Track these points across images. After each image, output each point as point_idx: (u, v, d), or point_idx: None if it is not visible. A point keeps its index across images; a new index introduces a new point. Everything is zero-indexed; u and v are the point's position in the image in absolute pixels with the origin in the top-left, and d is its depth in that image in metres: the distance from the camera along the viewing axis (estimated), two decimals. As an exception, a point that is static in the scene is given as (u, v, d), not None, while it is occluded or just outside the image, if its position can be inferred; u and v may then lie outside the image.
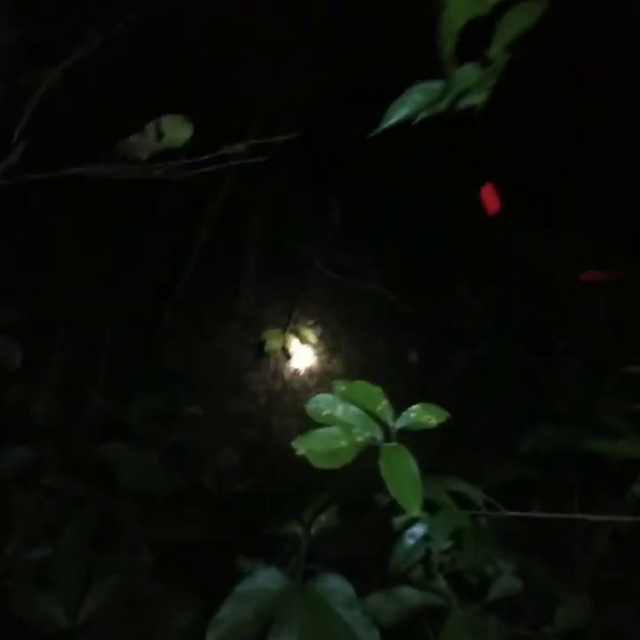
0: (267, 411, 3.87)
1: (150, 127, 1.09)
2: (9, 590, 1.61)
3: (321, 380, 3.98)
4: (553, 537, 1.50)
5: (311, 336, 3.97)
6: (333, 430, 0.94)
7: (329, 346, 4.08)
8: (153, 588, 1.67)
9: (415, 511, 0.86)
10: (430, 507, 1.16)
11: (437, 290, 3.43)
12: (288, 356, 3.92)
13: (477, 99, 1.17)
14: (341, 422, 0.96)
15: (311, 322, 4.03)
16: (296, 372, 4.00)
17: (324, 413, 0.97)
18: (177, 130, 1.10)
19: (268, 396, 3.96)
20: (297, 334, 3.88)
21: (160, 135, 1.09)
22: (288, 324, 3.94)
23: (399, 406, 1.05)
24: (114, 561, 1.82)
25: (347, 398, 1.04)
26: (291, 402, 3.93)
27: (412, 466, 0.91)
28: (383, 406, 1.02)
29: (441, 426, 1.00)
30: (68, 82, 1.29)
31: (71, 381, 1.97)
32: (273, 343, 3.69)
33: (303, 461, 0.91)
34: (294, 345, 3.82)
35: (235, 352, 4.02)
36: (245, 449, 2.87)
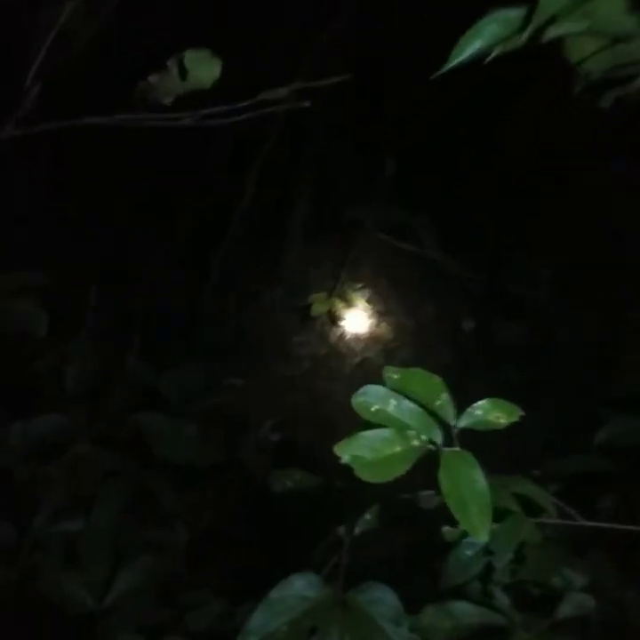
0: (312, 374, 3.75)
1: (172, 64, 0.92)
2: (36, 566, 1.54)
3: (368, 345, 3.82)
4: (629, 544, 1.33)
5: (359, 300, 3.80)
6: (385, 433, 0.78)
7: (377, 310, 3.90)
8: (185, 571, 1.59)
9: (484, 537, 0.71)
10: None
11: (497, 253, 3.19)
12: (335, 321, 3.77)
13: (566, 28, 0.96)
14: (394, 420, 0.80)
15: (359, 285, 3.85)
16: (342, 336, 3.85)
17: (373, 408, 0.82)
18: (203, 67, 0.93)
19: (314, 360, 3.83)
20: (344, 298, 3.71)
21: (184, 73, 0.93)
22: (335, 288, 3.77)
23: (453, 384, 0.89)
24: (147, 537, 1.74)
25: (400, 389, 0.88)
26: (336, 366, 3.80)
27: (480, 479, 0.74)
28: (443, 401, 0.85)
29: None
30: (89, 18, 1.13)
31: (105, 348, 1.87)
32: (319, 307, 3.54)
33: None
34: (341, 309, 3.65)
35: (279, 316, 3.90)
36: (288, 417, 2.75)
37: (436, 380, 0.89)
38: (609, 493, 1.47)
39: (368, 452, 0.75)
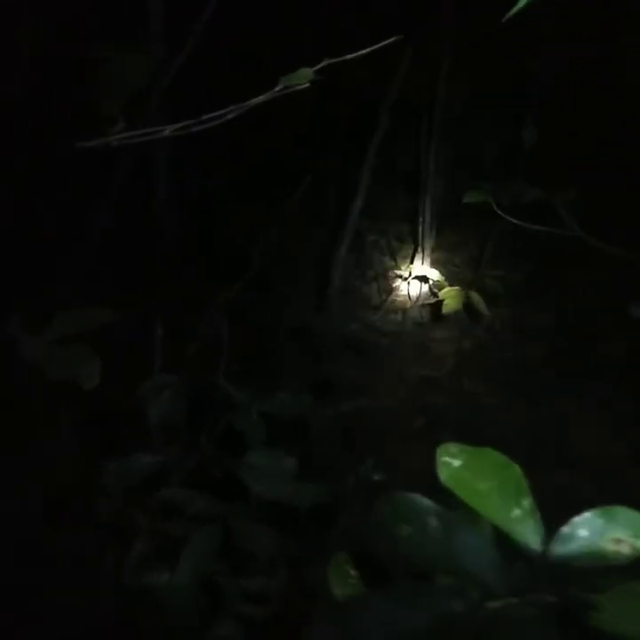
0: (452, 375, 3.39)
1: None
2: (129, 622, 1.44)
3: (511, 340, 3.38)
4: None
5: (499, 289, 3.38)
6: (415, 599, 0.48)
7: (523, 300, 3.44)
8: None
9: None
10: None
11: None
12: (472, 315, 3.37)
13: None
14: (436, 558, 0.51)
15: (497, 273, 3.42)
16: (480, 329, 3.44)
17: (405, 533, 0.53)
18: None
19: (456, 359, 3.46)
20: (482, 289, 3.31)
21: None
22: (470, 279, 3.38)
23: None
24: (244, 585, 1.57)
25: (457, 485, 0.58)
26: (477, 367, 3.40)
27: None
28: (524, 510, 0.54)
29: None
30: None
31: (190, 376, 1.73)
32: (452, 303, 3.18)
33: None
34: (478, 302, 3.25)
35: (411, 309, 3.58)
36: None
37: (515, 470, 0.58)
38: None
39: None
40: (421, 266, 3.53)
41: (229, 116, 0.94)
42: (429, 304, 3.44)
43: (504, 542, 0.53)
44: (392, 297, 3.53)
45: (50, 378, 1.24)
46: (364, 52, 0.99)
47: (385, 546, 0.53)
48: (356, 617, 0.47)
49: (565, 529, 0.53)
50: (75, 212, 2.38)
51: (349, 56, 0.96)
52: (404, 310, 3.56)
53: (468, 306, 3.27)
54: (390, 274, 3.66)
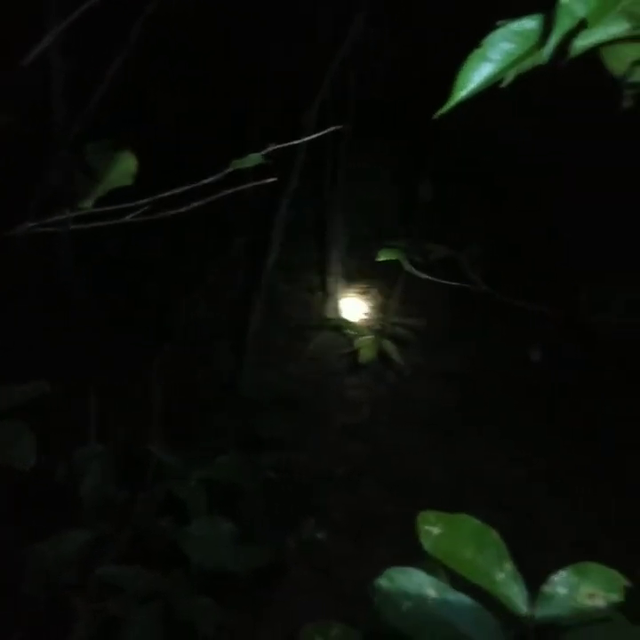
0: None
1: (74, 167, 0.73)
2: None
3: (422, 385, 3.54)
4: None
5: (409, 337, 3.54)
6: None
7: (433, 347, 3.62)
8: None
9: None
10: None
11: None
12: (386, 361, 3.49)
13: (600, 35, 0.71)
14: (435, 628, 0.55)
15: (408, 322, 3.58)
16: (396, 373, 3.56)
17: (404, 608, 0.57)
18: (114, 165, 0.74)
19: (372, 406, 3.55)
20: (393, 337, 3.45)
21: (93, 174, 0.74)
22: (381, 328, 3.52)
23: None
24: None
25: (442, 554, 0.64)
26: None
27: None
28: (507, 573, 0.60)
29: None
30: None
31: (118, 450, 1.69)
32: (367, 352, 3.29)
33: None
34: (391, 350, 3.38)
35: (328, 359, 3.67)
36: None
37: (491, 536, 0.63)
38: None
39: None
40: (334, 315, 3.65)
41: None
42: (345, 353, 3.53)
43: (492, 604, 0.58)
44: (309, 347, 3.60)
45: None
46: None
47: (389, 620, 0.56)
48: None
49: (546, 588, 0.59)
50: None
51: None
52: (320, 359, 3.63)
53: (381, 354, 3.39)
54: (304, 324, 3.74)
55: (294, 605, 1.66)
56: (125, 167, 0.75)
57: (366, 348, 3.27)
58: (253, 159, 0.87)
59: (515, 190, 3.58)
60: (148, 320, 2.69)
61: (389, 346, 3.38)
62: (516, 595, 0.59)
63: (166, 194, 0.79)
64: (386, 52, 3.50)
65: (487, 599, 0.58)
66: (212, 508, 1.65)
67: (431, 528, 0.66)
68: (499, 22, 0.74)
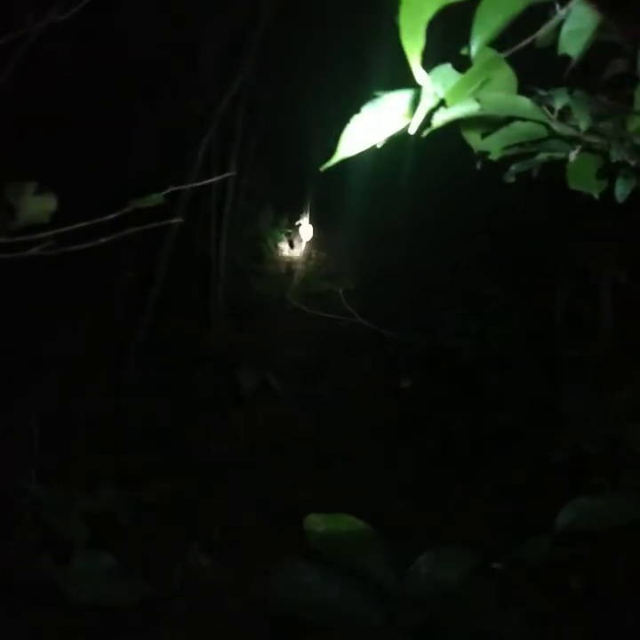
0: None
1: None
2: None
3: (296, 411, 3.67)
4: None
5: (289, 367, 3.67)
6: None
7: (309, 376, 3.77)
8: None
9: None
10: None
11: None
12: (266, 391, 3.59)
13: (457, 112, 0.87)
14: (323, 610, 0.64)
15: (289, 353, 3.72)
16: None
17: (297, 596, 0.66)
18: (34, 202, 0.79)
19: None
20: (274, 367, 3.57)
21: (11, 211, 0.78)
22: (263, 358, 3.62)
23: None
24: None
25: (326, 548, 0.74)
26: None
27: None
28: (378, 558, 0.71)
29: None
30: None
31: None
32: (248, 381, 3.38)
33: None
34: (271, 379, 3.50)
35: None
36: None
37: (366, 529, 0.74)
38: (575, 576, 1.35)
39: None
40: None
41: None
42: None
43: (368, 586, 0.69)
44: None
45: None
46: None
47: (287, 608, 0.65)
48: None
49: (411, 569, 0.70)
50: None
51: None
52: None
53: (263, 383, 3.50)
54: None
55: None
56: (45, 206, 0.80)
57: (247, 379, 3.36)
58: (154, 199, 0.94)
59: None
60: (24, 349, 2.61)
61: (270, 376, 3.49)
62: (386, 576, 0.70)
63: (70, 228, 0.84)
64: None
65: (365, 584, 0.69)
66: (91, 542, 1.62)
67: (315, 527, 0.76)
68: (375, 93, 0.89)
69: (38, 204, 0.79)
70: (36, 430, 1.65)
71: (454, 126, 0.88)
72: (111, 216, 0.93)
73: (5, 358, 2.39)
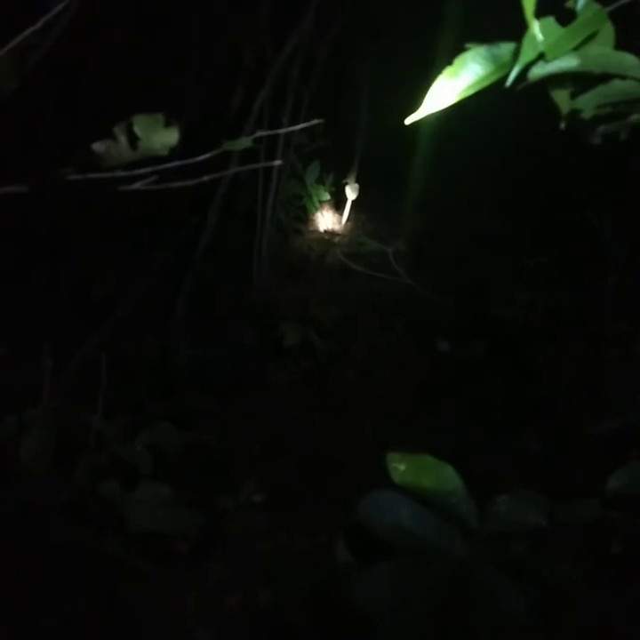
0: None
1: (119, 131, 0.80)
2: None
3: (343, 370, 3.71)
4: None
5: (328, 325, 3.70)
6: (403, 568, 0.66)
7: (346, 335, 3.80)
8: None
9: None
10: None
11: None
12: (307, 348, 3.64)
13: (556, 67, 0.86)
14: (411, 538, 0.69)
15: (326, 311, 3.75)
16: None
17: (386, 520, 0.70)
18: (156, 134, 0.82)
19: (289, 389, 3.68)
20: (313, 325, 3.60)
21: (134, 141, 0.81)
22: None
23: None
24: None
25: (408, 483, 0.78)
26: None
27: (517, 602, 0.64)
28: (460, 497, 0.75)
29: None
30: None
31: (67, 413, 1.71)
32: (291, 338, 3.42)
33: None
34: (313, 337, 3.53)
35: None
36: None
37: (447, 469, 0.78)
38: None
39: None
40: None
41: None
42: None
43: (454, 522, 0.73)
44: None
45: None
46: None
47: (372, 530, 0.69)
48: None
49: (489, 507, 0.74)
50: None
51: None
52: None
53: (304, 340, 3.54)
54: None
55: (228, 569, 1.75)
56: (168, 139, 0.82)
57: (290, 334, 3.41)
58: (243, 142, 0.96)
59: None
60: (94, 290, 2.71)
61: (311, 333, 3.52)
62: (467, 513, 0.74)
63: (169, 165, 0.87)
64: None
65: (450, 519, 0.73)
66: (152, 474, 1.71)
67: (398, 465, 0.80)
68: (467, 45, 0.89)
69: (163, 137, 0.82)
70: (104, 362, 1.72)
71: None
72: (205, 156, 0.96)
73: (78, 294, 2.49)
